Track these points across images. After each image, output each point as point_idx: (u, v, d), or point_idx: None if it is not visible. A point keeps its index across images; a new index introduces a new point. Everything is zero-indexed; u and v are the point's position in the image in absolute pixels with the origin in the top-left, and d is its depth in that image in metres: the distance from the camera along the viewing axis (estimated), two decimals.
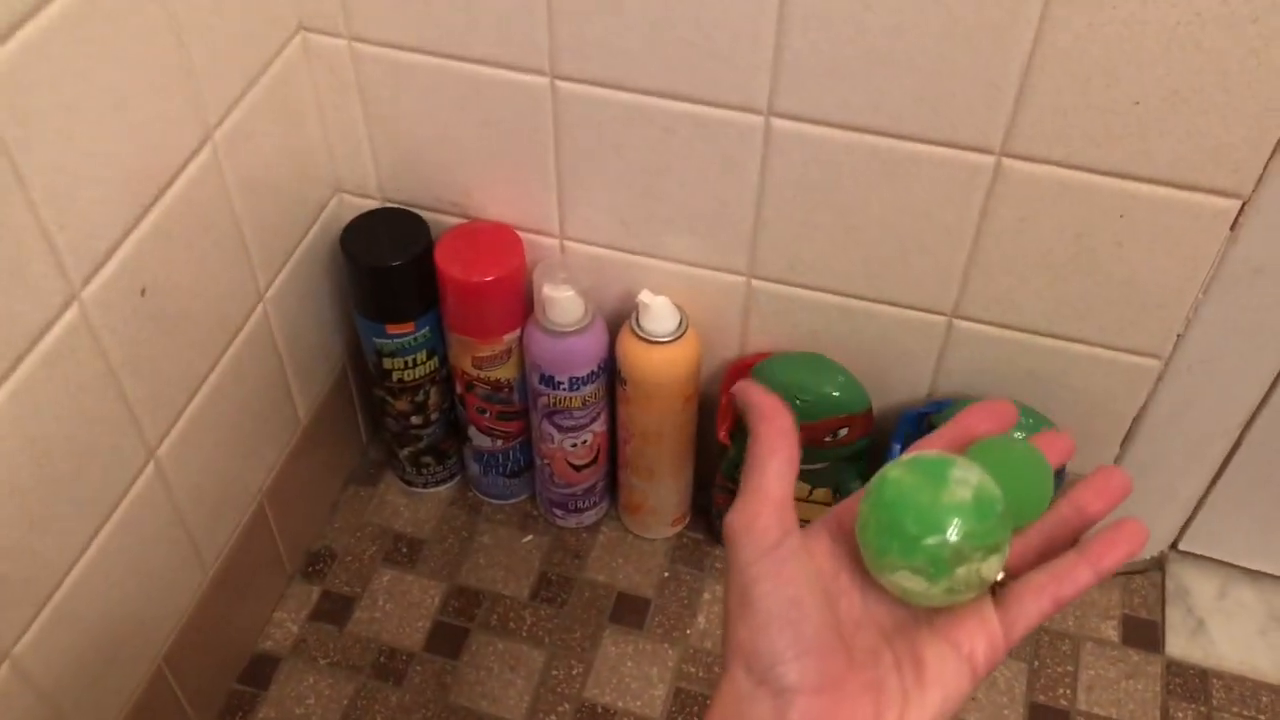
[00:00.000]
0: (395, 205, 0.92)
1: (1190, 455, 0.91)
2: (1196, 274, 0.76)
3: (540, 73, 0.79)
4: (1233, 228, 0.73)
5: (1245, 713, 0.92)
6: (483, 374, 0.92)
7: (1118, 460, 0.90)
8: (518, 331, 0.90)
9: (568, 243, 0.89)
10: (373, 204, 0.92)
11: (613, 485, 1.02)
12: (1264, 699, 0.92)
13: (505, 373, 0.92)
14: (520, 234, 0.89)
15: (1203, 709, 0.92)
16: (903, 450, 0.86)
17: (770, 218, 0.82)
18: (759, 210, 0.82)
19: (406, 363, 0.93)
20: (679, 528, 1.02)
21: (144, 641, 0.80)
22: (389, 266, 0.87)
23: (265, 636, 0.96)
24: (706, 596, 0.98)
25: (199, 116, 0.73)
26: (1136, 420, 0.87)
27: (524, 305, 0.89)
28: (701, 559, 1.01)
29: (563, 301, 0.86)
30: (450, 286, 0.87)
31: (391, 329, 0.90)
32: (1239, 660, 0.95)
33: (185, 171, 0.72)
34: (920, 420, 0.87)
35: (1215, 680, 0.94)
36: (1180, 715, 0.92)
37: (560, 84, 0.79)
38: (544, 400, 0.91)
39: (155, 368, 0.74)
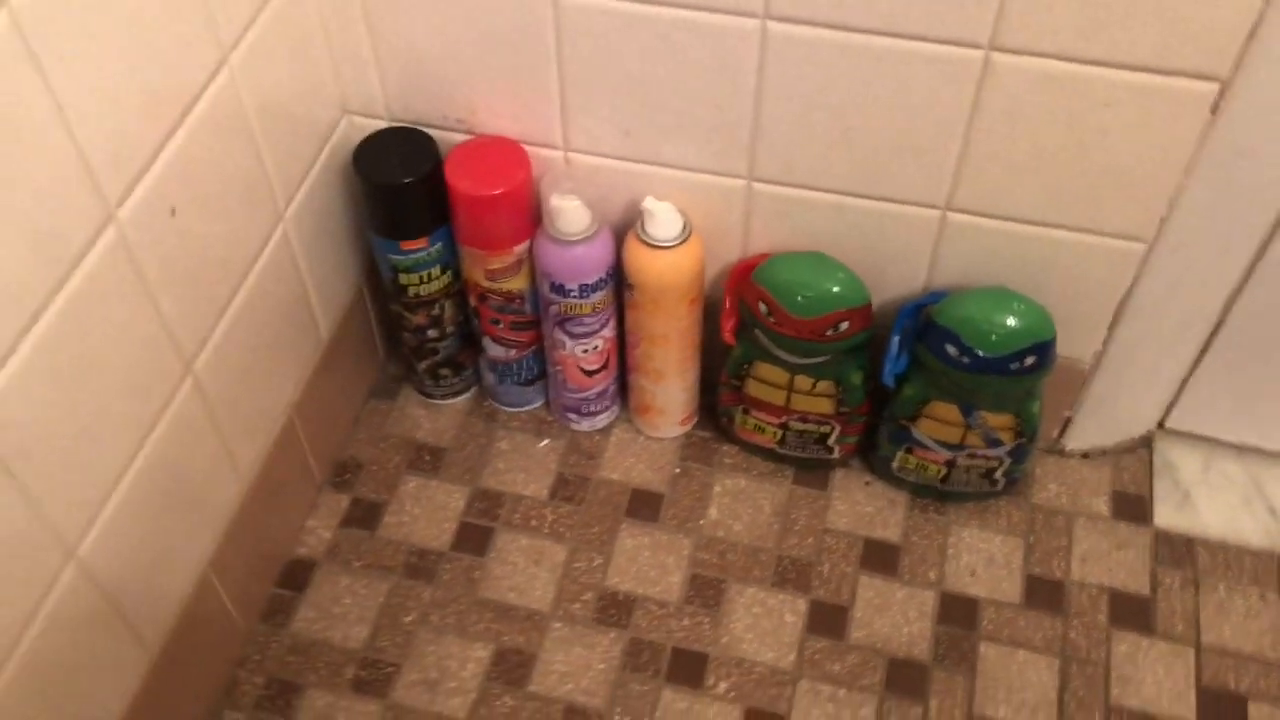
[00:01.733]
0: (403, 124, 0.94)
1: (1175, 335, 0.95)
2: (1179, 158, 0.80)
3: None
4: (1213, 111, 0.76)
5: (1230, 574, 0.97)
6: (495, 285, 0.96)
7: (1105, 342, 0.94)
8: (527, 243, 0.93)
9: (572, 154, 0.92)
10: (381, 124, 0.95)
11: (623, 389, 1.06)
12: (1246, 562, 0.98)
13: (517, 283, 0.96)
14: (526, 147, 0.92)
15: (1188, 574, 0.97)
16: (901, 343, 0.91)
17: (768, 121, 0.85)
18: (757, 114, 0.85)
19: (422, 278, 0.96)
20: (688, 427, 1.07)
21: (190, 547, 0.85)
22: (400, 184, 0.90)
23: (300, 543, 1.01)
24: (717, 489, 1.03)
25: (215, 38, 0.76)
26: (1123, 303, 0.91)
27: (532, 217, 0.92)
28: (710, 455, 1.06)
29: (569, 211, 0.89)
30: (460, 201, 0.90)
31: (406, 245, 0.94)
32: (1223, 528, 1.00)
33: (205, 93, 0.75)
34: (917, 312, 0.91)
35: (1200, 547, 0.99)
36: (1168, 580, 0.97)
37: None
38: (555, 308, 0.95)
39: (187, 286, 0.78)
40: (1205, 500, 1.02)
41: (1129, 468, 1.04)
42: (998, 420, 0.92)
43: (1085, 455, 1.05)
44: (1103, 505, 1.02)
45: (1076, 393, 1.00)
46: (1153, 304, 0.90)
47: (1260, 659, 0.93)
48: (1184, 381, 1.00)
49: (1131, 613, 0.95)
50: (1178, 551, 0.99)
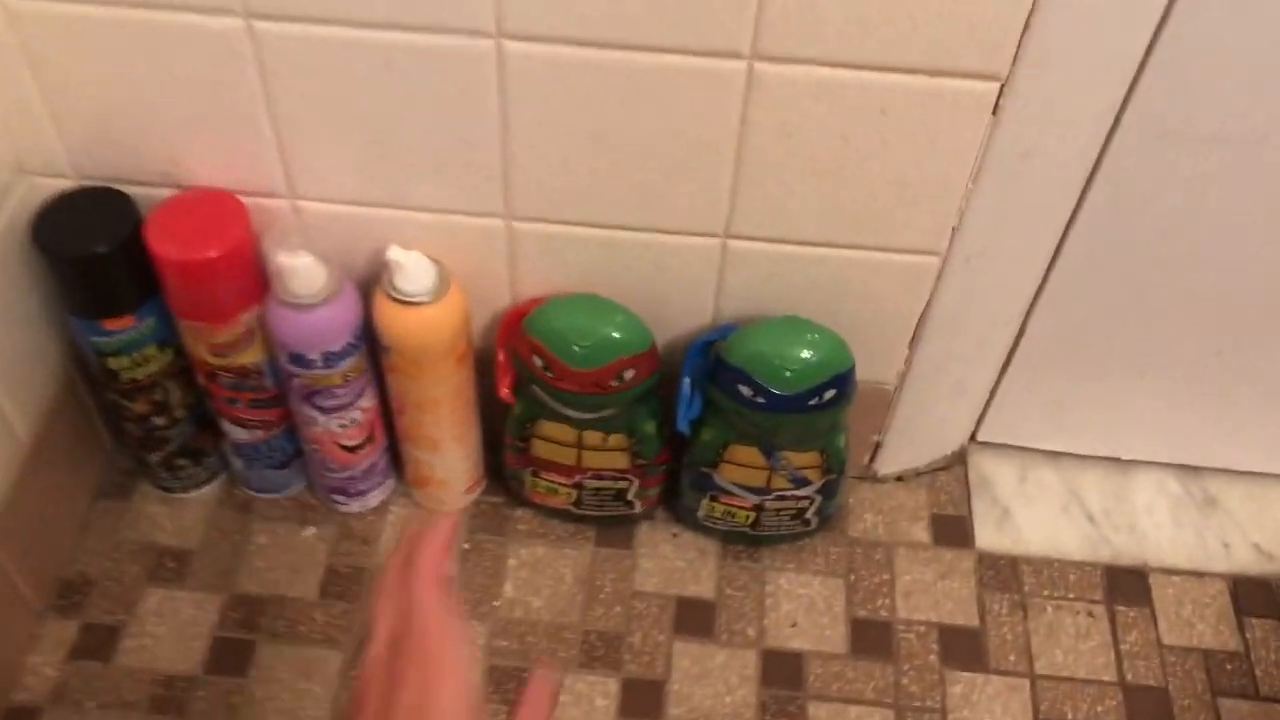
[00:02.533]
0: (94, 183, 0.80)
1: (979, 347, 0.90)
2: (964, 164, 0.73)
3: (231, 12, 0.68)
4: (995, 111, 0.70)
5: (1055, 593, 0.93)
6: (225, 361, 0.82)
7: (908, 361, 0.88)
8: (256, 309, 0.80)
9: (300, 203, 0.80)
10: (68, 184, 0.80)
11: (396, 459, 0.94)
12: (1071, 577, 0.94)
13: (250, 357, 0.83)
14: (243, 199, 0.79)
15: (1016, 597, 0.92)
16: (693, 384, 0.82)
17: (519, 152, 0.75)
18: (505, 145, 0.74)
19: (134, 360, 0.82)
20: (474, 494, 0.96)
21: None
22: (92, 254, 0.76)
23: (19, 686, 0.84)
24: (512, 562, 0.92)
25: None
26: (922, 319, 0.84)
27: (259, 279, 0.79)
28: (503, 523, 0.95)
29: (300, 270, 0.76)
30: (168, 269, 0.76)
31: (109, 324, 0.79)
32: (1044, 542, 0.95)
33: None
34: (707, 349, 0.83)
35: (1025, 566, 0.94)
36: (996, 607, 0.92)
37: (257, 24, 0.69)
38: (298, 381, 0.82)
39: None
40: (1024, 513, 0.97)
41: (946, 487, 0.99)
42: (803, 459, 0.85)
43: (900, 478, 0.99)
44: (922, 532, 0.96)
45: (884, 416, 0.93)
46: (952, 318, 0.85)
47: (1095, 681, 0.88)
48: (992, 393, 0.95)
49: (963, 648, 0.89)
50: (1002, 574, 0.94)
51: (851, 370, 0.80)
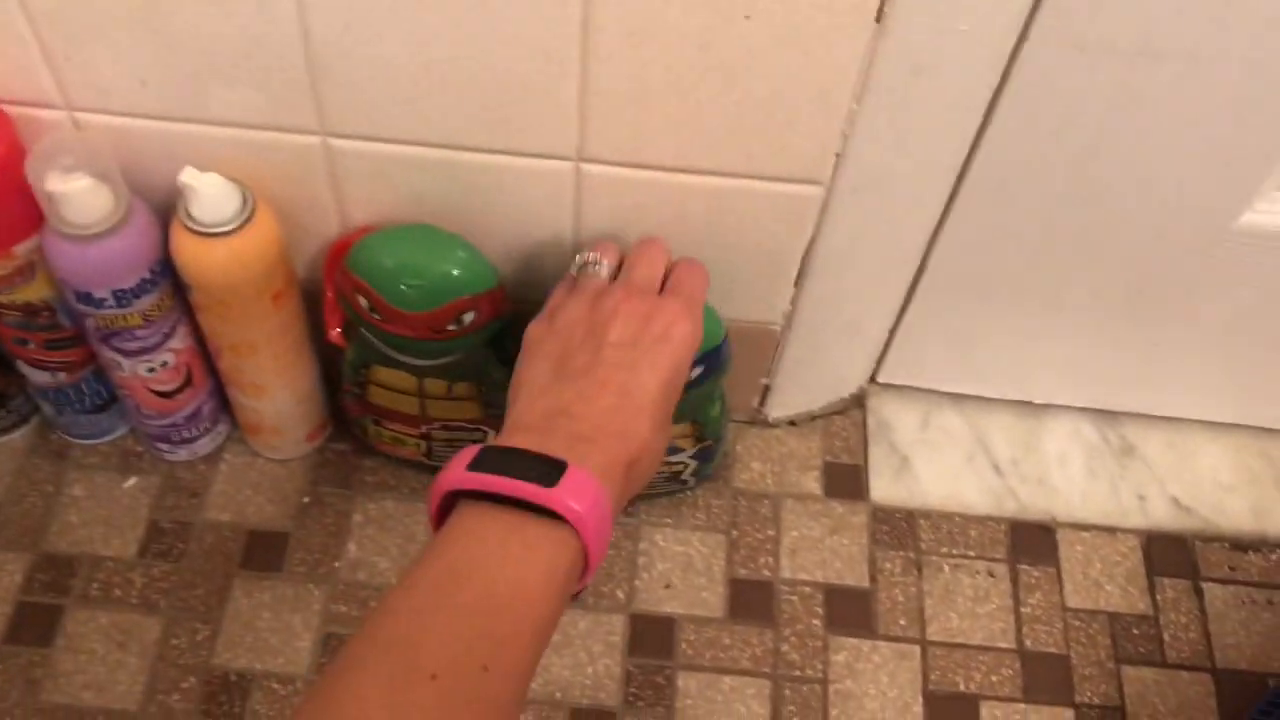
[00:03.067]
0: None
1: (875, 283, 0.80)
2: (846, 79, 0.63)
3: None
4: (879, 18, 0.59)
5: (954, 551, 0.85)
6: (5, 297, 0.71)
7: (794, 300, 0.78)
8: (35, 239, 0.69)
9: (80, 115, 0.68)
10: None
11: (227, 402, 0.84)
12: (972, 533, 0.86)
13: (35, 292, 0.72)
14: (8, 109, 0.67)
15: (911, 555, 0.85)
16: None
17: (325, 55, 0.63)
18: (307, 45, 0.62)
19: None
20: (317, 441, 0.86)
21: None
22: None
23: None
24: (357, 518, 0.83)
25: None
26: (807, 255, 0.74)
27: (33, 205, 0.68)
28: (349, 474, 0.85)
29: (78, 195, 0.65)
30: None
31: None
32: (946, 495, 0.88)
33: None
34: None
35: (922, 520, 0.86)
36: (889, 565, 0.84)
37: None
38: (92, 322, 0.71)
39: None
40: (925, 462, 0.89)
41: (841, 433, 0.90)
42: (673, 430, 0.75)
43: (792, 423, 0.90)
44: (813, 482, 0.88)
45: (771, 358, 0.84)
46: (841, 253, 0.75)
47: (990, 648, 0.81)
48: (892, 332, 0.86)
49: (850, 612, 0.82)
50: (898, 529, 0.86)
51: (723, 344, 0.70)
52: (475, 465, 0.49)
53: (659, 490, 0.83)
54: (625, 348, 0.57)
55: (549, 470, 0.48)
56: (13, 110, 0.67)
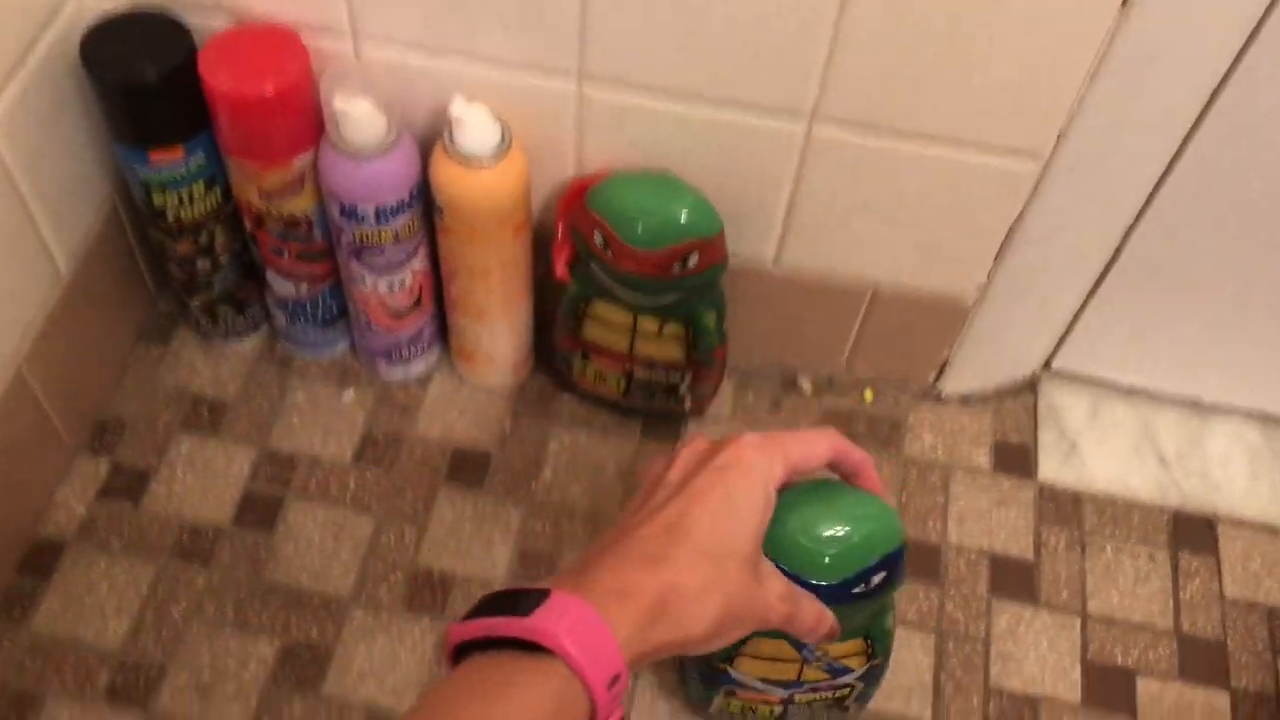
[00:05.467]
0: (148, 7, 0.75)
1: (1068, 266, 0.84)
2: (1083, 60, 0.67)
3: None
4: (1124, 4, 0.64)
5: (1117, 533, 0.88)
6: (273, 207, 0.79)
7: (991, 275, 0.82)
8: (310, 154, 0.76)
9: (364, 44, 0.75)
10: (119, 6, 0.76)
11: (443, 329, 0.91)
12: (1135, 519, 0.89)
13: (300, 205, 0.79)
14: (303, 35, 0.74)
15: (1075, 533, 0.88)
16: None
17: (601, 5, 0.69)
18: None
19: (181, 197, 0.78)
20: (521, 374, 0.92)
21: None
22: (142, 80, 0.72)
23: (46, 520, 0.83)
24: (553, 447, 0.89)
25: None
26: (1012, 230, 0.79)
27: (314, 123, 0.75)
28: (547, 407, 0.91)
29: (359, 117, 0.72)
30: (220, 101, 0.72)
31: (156, 157, 0.75)
32: (1111, 480, 0.91)
33: None
34: None
35: (1088, 503, 0.89)
36: (1053, 540, 0.87)
37: None
38: (348, 236, 0.78)
39: None
40: (1092, 449, 0.92)
41: (1012, 414, 0.94)
42: (842, 649, 0.69)
43: (964, 401, 0.94)
44: (983, 457, 0.91)
45: (956, 332, 0.88)
46: (1045, 231, 0.79)
47: (1149, 628, 0.84)
48: (1075, 316, 0.89)
49: (1013, 580, 0.85)
50: (1063, 508, 0.89)
51: (903, 548, 0.61)
52: (467, 615, 0.45)
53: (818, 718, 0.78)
54: (675, 485, 0.50)
55: (528, 601, 0.43)
56: (307, 40, 0.74)
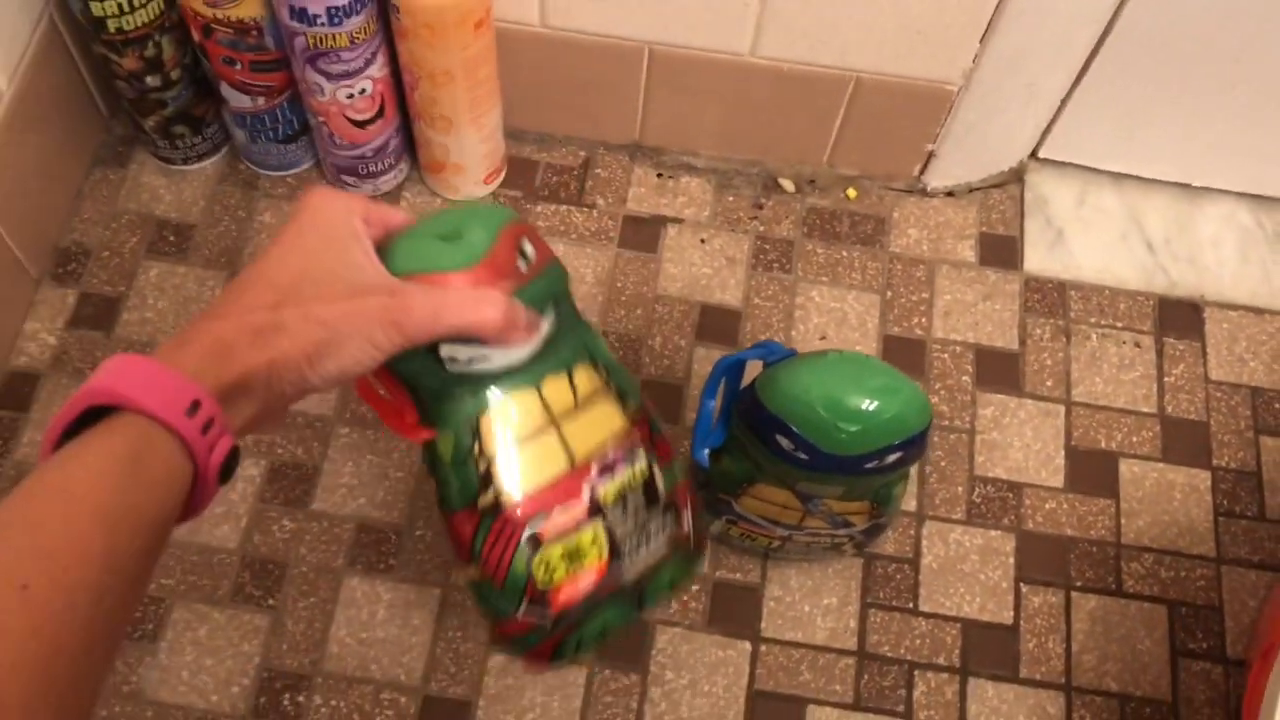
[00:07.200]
0: None
1: (1056, 48, 0.80)
2: None
3: None
4: None
5: (1103, 321, 0.88)
6: (220, 13, 0.74)
7: (977, 58, 0.79)
8: None
9: None
10: None
11: (411, 142, 0.87)
12: (1121, 306, 0.88)
13: (248, 9, 0.74)
14: None
15: (1060, 323, 0.87)
16: (721, 409, 0.65)
17: None
18: None
19: (120, 6, 0.74)
20: (493, 184, 0.89)
21: None
22: None
23: (18, 351, 0.82)
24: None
25: None
26: (999, 8, 0.75)
27: None
28: (522, 216, 0.89)
29: None
30: None
31: None
32: (1099, 269, 0.89)
33: None
34: (739, 369, 0.68)
35: (1073, 291, 0.89)
36: (1039, 331, 0.87)
37: None
38: (301, 41, 0.74)
39: None
40: (1079, 238, 0.91)
41: (998, 206, 0.92)
42: (848, 506, 0.69)
43: (950, 194, 0.92)
44: (968, 250, 0.90)
45: (941, 122, 0.85)
46: (1032, 8, 0.75)
47: (1132, 411, 0.84)
48: (1063, 102, 0.86)
49: (998, 371, 0.85)
50: (1049, 298, 0.88)
51: (927, 431, 0.61)
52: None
53: (813, 558, 0.78)
54: None
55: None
56: None
